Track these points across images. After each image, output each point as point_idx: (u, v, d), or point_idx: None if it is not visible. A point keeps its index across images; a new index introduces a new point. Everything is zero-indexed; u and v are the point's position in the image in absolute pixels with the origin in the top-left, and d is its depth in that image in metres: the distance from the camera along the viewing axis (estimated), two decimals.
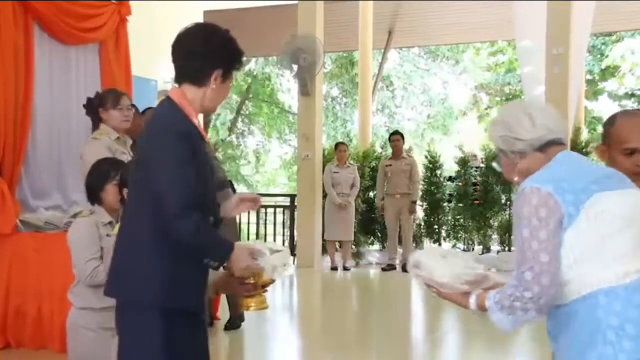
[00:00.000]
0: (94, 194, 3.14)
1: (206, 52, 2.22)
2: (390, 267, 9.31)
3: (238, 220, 8.20)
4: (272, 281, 2.41)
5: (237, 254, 2.20)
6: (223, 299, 5.66)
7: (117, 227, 2.71)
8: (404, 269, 9.14)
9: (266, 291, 2.43)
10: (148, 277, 2.17)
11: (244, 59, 2.33)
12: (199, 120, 2.32)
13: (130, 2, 6.25)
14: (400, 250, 9.62)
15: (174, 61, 2.27)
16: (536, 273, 1.76)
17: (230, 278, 2.39)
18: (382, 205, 9.33)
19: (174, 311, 2.18)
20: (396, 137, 9.39)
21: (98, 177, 3.11)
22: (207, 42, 2.23)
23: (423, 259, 2.02)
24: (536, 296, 1.75)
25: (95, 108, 4.35)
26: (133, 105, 4.62)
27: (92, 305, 3.00)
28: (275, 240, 11.44)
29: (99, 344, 2.94)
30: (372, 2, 11.61)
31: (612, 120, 2.28)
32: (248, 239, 11.84)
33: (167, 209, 2.09)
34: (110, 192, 3.03)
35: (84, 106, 4.50)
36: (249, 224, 10.97)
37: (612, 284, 1.74)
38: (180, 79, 2.27)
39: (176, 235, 2.11)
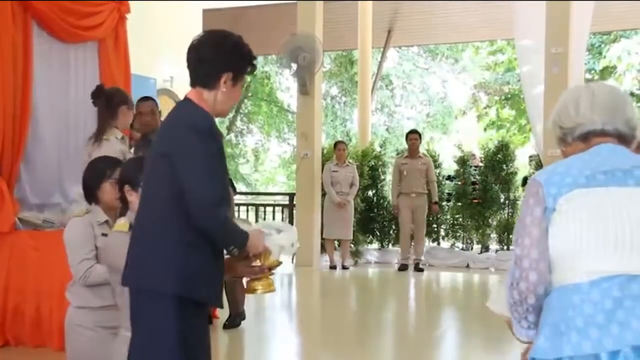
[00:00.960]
0: (90, 193, 3.13)
1: (215, 56, 2.32)
2: (405, 267, 9.21)
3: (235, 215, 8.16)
4: (279, 263, 2.46)
5: (254, 238, 2.31)
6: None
7: (120, 224, 2.69)
8: (417, 268, 9.13)
9: (272, 274, 2.46)
10: (167, 267, 2.24)
11: (256, 62, 2.42)
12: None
13: (129, 0, 6.24)
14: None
15: (188, 67, 2.38)
16: (517, 256, 1.73)
17: (236, 262, 2.42)
18: (397, 204, 9.26)
19: (189, 301, 2.24)
20: (414, 135, 9.34)
21: (94, 176, 3.10)
22: (217, 46, 2.33)
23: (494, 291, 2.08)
24: (515, 281, 1.73)
25: (115, 103, 4.31)
26: (148, 98, 4.67)
27: (90, 304, 2.99)
28: None
29: (97, 342, 2.94)
30: (371, 1, 11.61)
31: None
32: None
33: (199, 201, 2.20)
34: (107, 191, 3.02)
35: (97, 94, 4.44)
36: (247, 214, 10.98)
37: (575, 281, 1.68)
38: (193, 82, 2.37)
39: (208, 226, 2.21)
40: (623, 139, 1.84)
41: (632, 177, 1.72)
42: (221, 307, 2.47)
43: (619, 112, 1.85)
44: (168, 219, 2.26)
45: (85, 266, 2.98)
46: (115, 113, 4.27)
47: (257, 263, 2.40)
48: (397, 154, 10.06)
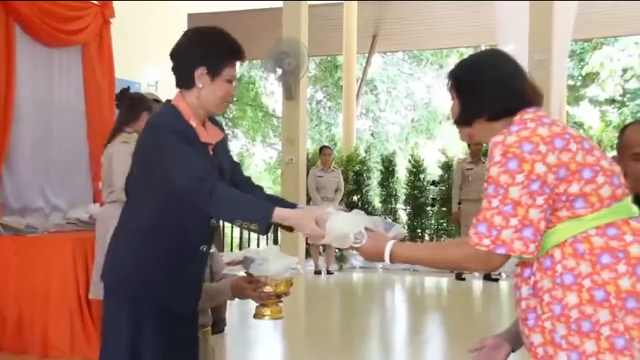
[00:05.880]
0: None
1: (186, 52, 2.22)
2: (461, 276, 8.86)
3: (221, 224, 8.15)
4: (288, 292, 2.38)
5: (299, 218, 2.08)
6: None
7: None
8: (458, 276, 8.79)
9: (281, 301, 2.40)
10: (110, 267, 2.27)
11: (238, 52, 2.24)
12: (199, 123, 2.24)
13: (114, 3, 6.22)
14: None
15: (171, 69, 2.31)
16: None
17: (247, 284, 2.39)
18: (459, 210, 8.66)
19: (141, 303, 2.19)
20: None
21: None
22: (188, 41, 2.24)
23: None
24: None
25: (138, 108, 4.28)
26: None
27: None
28: (258, 245, 11.42)
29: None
30: (356, 5, 11.64)
31: (623, 129, 2.40)
32: (231, 241, 11.82)
33: (180, 184, 2.06)
34: None
35: (121, 96, 4.42)
36: (232, 227, 10.94)
37: None
38: (176, 84, 2.28)
39: (198, 201, 2.05)
40: None
41: None
42: (187, 311, 2.31)
43: None
44: (121, 219, 2.29)
45: None
46: (136, 118, 4.25)
47: (268, 289, 2.33)
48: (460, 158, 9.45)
